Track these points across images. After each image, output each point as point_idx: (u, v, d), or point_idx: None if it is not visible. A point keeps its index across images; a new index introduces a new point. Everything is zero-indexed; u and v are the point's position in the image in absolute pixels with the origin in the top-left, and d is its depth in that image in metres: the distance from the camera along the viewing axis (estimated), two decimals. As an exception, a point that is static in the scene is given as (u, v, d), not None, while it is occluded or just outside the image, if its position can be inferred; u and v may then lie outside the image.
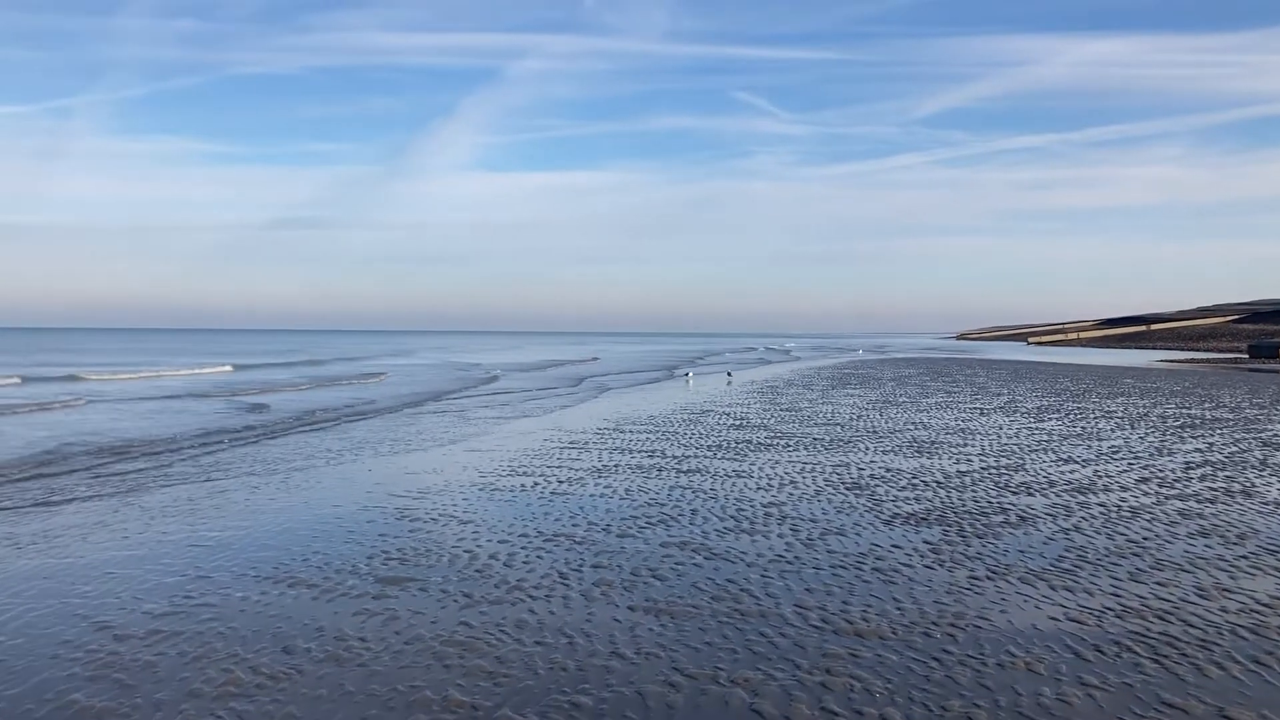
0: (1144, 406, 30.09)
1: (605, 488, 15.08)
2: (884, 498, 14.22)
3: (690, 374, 51.12)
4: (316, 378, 49.34)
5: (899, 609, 8.60)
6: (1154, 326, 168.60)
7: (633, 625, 8.17)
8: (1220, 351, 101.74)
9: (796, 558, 10.54)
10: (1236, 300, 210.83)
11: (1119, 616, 8.37)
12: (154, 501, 14.03)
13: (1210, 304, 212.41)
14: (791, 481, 15.69)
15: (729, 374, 51.41)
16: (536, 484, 15.38)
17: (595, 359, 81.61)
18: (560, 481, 15.65)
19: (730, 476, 16.21)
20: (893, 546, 11.07)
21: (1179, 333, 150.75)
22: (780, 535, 11.66)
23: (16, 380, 42.60)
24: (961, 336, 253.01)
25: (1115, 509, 13.25)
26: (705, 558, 10.53)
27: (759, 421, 25.52)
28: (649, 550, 10.87)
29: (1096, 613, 8.48)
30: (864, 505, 13.62)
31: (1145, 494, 14.44)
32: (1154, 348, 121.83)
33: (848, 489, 15.00)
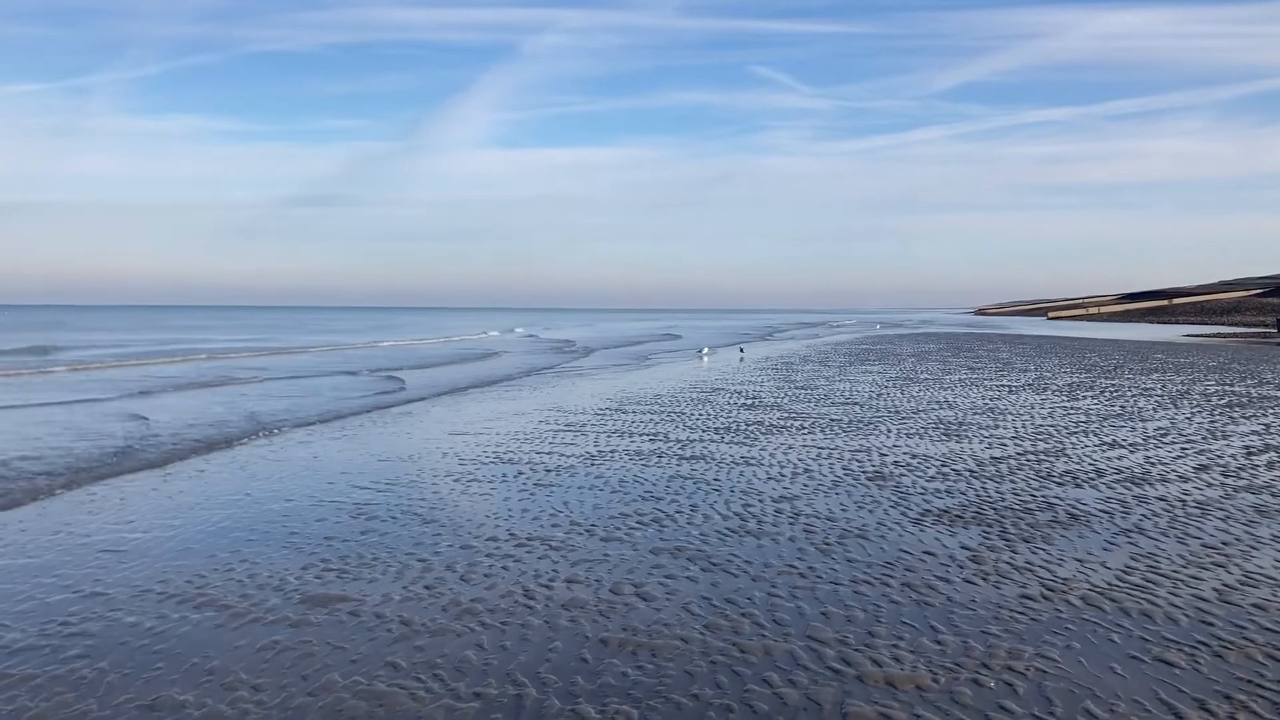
0: (1182, 383, 28.18)
1: (596, 477, 13.40)
2: (911, 490, 12.50)
3: (705, 350, 49.41)
4: (455, 354, 47.82)
5: (938, 643, 6.90)
6: (1175, 301, 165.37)
7: (601, 669, 6.49)
8: (1246, 326, 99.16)
9: (811, 568, 8.84)
10: (1260, 274, 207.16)
11: (1218, 655, 6.64)
12: (60, 506, 12.44)
13: (1232, 278, 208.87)
14: (806, 470, 13.97)
15: (741, 350, 49.59)
16: (533, 468, 13.73)
17: (676, 335, 79.78)
18: (548, 470, 13.98)
19: (738, 464, 14.51)
20: (925, 553, 9.35)
21: (1201, 307, 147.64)
22: (792, 538, 9.96)
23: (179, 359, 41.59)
24: (979, 312, 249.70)
25: (1179, 504, 11.48)
26: (702, 569, 8.84)
27: (772, 401, 23.79)
28: (636, 559, 9.19)
29: (1188, 649, 6.76)
30: (888, 499, 11.90)
31: (1209, 485, 12.65)
32: (1176, 322, 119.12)
33: (869, 479, 13.27)
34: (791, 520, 10.77)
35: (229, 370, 35.43)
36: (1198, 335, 75.17)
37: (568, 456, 15.23)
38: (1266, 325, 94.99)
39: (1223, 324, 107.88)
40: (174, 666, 6.50)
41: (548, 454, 15.52)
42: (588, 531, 10.30)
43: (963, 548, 9.55)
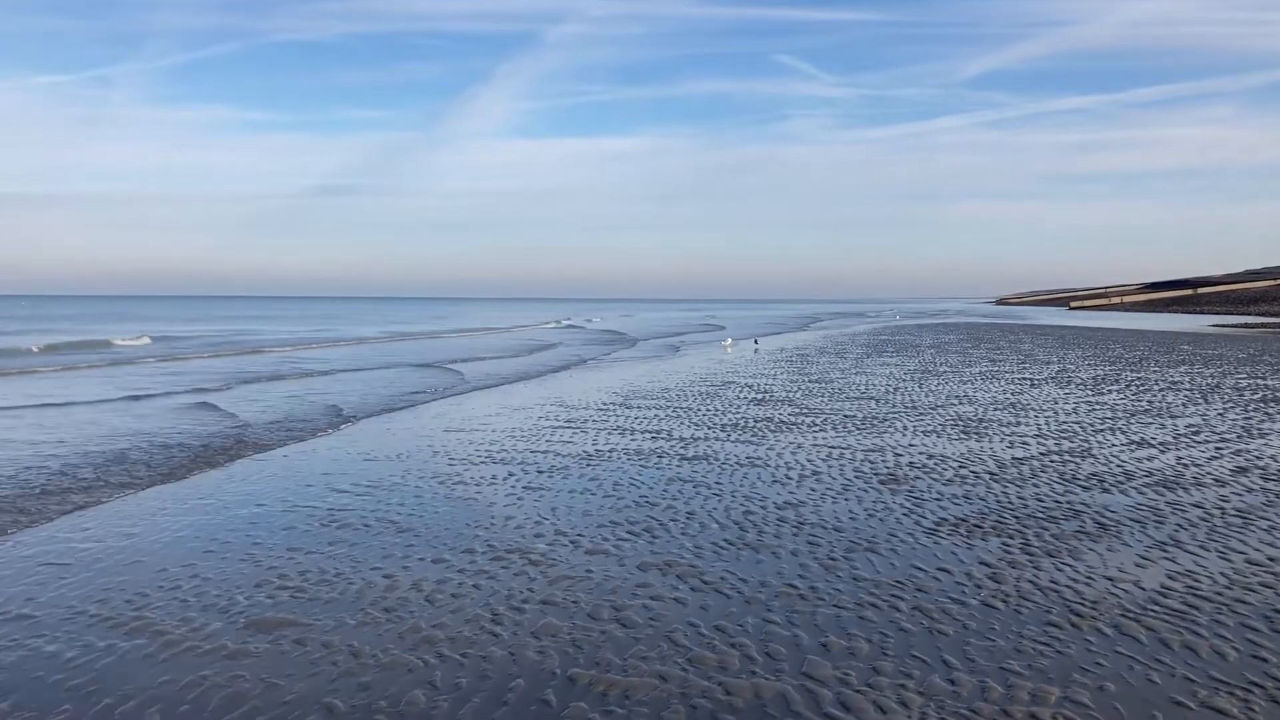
0: (1212, 376, 27.10)
1: (590, 480, 12.61)
2: (925, 495, 11.64)
3: (729, 340, 48.56)
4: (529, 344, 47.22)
5: (951, 681, 6.06)
6: (1200, 290, 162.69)
7: (564, 714, 5.69)
8: (1274, 315, 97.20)
9: (813, 588, 8.01)
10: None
11: (1276, 701, 5.77)
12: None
13: (1260, 266, 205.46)
14: (814, 472, 13.13)
15: (755, 341, 48.66)
16: (525, 468, 12.94)
17: (718, 325, 78.99)
18: (540, 471, 13.19)
19: (742, 465, 13.68)
20: (939, 570, 8.50)
21: (1227, 296, 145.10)
22: (794, 552, 9.13)
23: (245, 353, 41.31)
24: (1001, 301, 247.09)
25: (1217, 512, 10.57)
26: (692, 588, 8.03)
27: (784, 395, 22.92)
28: (622, 576, 8.39)
29: (1240, 692, 5.89)
30: (901, 506, 11.05)
31: (1249, 490, 11.73)
32: (1202, 312, 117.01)
33: (882, 482, 12.42)
34: (795, 531, 9.94)
35: (299, 362, 34.84)
36: (1225, 325, 73.62)
37: (563, 456, 14.44)
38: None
39: (1250, 314, 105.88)
40: (82, 708, 5.74)
41: (543, 453, 14.74)
42: (573, 543, 9.51)
43: (981, 563, 8.70)
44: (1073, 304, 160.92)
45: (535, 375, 30.13)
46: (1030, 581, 8.13)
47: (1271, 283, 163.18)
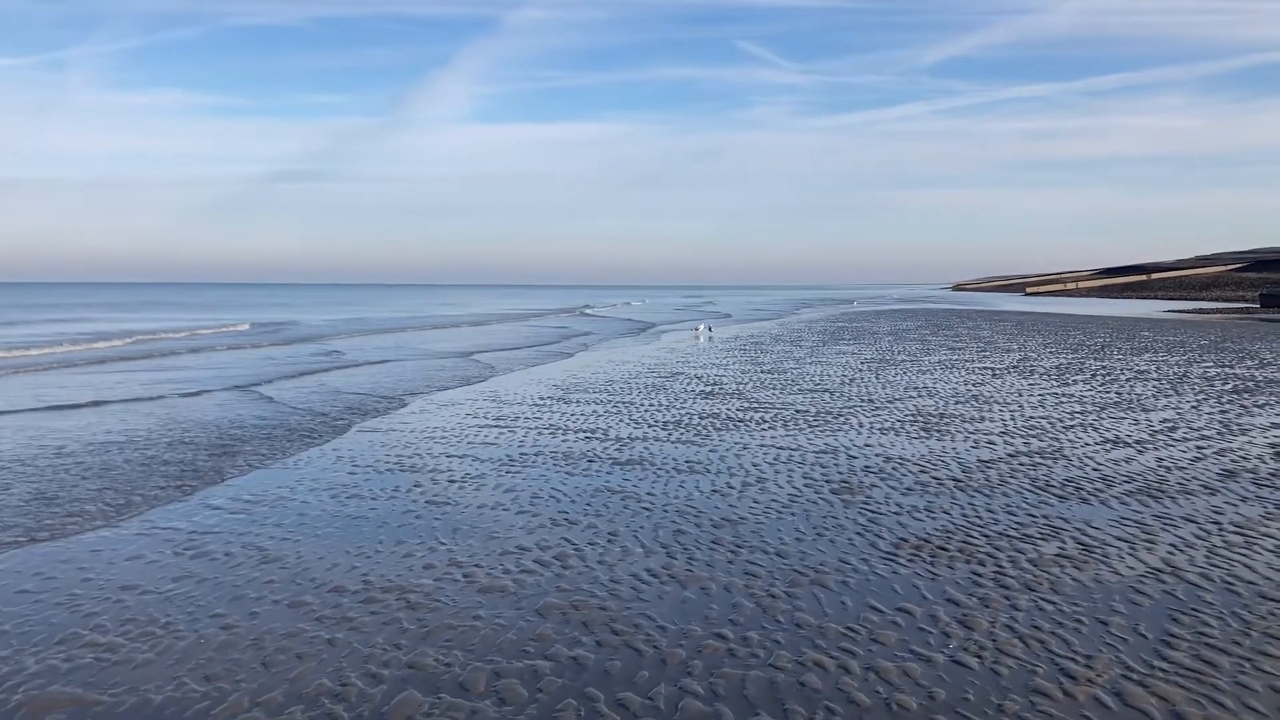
0: (1178, 365, 26.08)
1: (505, 491, 11.08)
2: (882, 507, 10.24)
3: (701, 327, 47.01)
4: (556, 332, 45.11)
5: (916, 788, 4.61)
6: (1154, 276, 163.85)
7: None
8: (1227, 301, 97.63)
9: (744, 639, 6.54)
10: (1236, 249, 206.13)
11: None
12: None
13: (1210, 252, 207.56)
14: (759, 480, 11.69)
15: (709, 329, 47.17)
16: (435, 477, 11.37)
17: (724, 313, 77.47)
18: (451, 481, 11.63)
19: (680, 472, 12.21)
20: (898, 611, 7.08)
21: (1180, 282, 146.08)
22: (728, 587, 7.67)
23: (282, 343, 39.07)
24: (958, 287, 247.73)
25: (1213, 528, 9.27)
26: (598, 642, 6.53)
27: (734, 387, 21.49)
28: (515, 625, 6.87)
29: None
30: (855, 522, 9.64)
31: (1243, 499, 10.46)
32: (1156, 298, 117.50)
33: (834, 492, 11.02)
34: (731, 557, 8.48)
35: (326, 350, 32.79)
36: (1180, 311, 73.46)
37: (480, 461, 12.89)
38: (1247, 300, 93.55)
39: (1202, 299, 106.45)
40: None
41: (459, 457, 13.17)
42: (466, 576, 7.98)
43: (948, 600, 7.29)
44: (1028, 289, 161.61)
45: (476, 377, 28.48)
46: (1008, 626, 6.73)
47: (1222, 269, 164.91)
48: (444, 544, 8.95)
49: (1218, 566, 8.05)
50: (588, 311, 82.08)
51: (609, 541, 9.01)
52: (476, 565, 8.28)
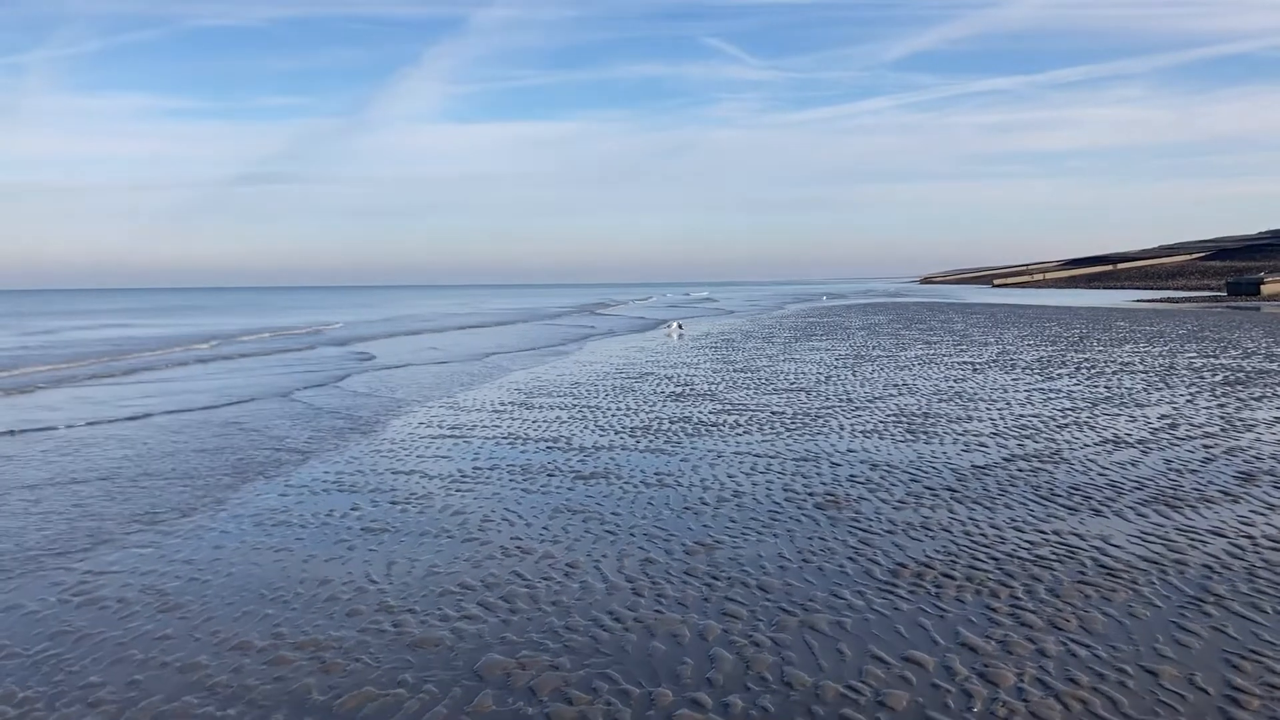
0: (1162, 356, 25.27)
1: (452, 515, 9.86)
2: (874, 524, 9.14)
3: (675, 324, 45.97)
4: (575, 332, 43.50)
5: None
6: (1120, 266, 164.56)
7: None
8: (1191, 289, 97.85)
9: (724, 707, 5.39)
10: (1199, 238, 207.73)
11: None
12: None
13: (1173, 242, 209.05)
14: (735, 493, 10.57)
15: (680, 325, 46.09)
16: (375, 499, 10.12)
17: (731, 311, 76.17)
18: (392, 503, 10.39)
19: (649, 486, 11.06)
20: (904, 660, 5.95)
21: (1146, 271, 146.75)
22: (702, 633, 6.51)
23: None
24: (925, 280, 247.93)
25: (1247, 544, 8.23)
26: (546, 715, 5.35)
27: (706, 388, 20.37)
28: (444, 689, 5.68)
29: None
30: (845, 544, 8.52)
31: (1270, 507, 9.45)
32: (1122, 287, 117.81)
33: (818, 506, 9.91)
34: (706, 593, 7.33)
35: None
36: (1148, 300, 73.28)
37: (431, 477, 11.67)
38: (1214, 289, 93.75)
39: (1169, 288, 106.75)
40: None
41: (406, 474, 11.94)
42: (396, 626, 6.78)
43: (963, 645, 6.18)
44: (996, 281, 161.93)
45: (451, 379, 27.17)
46: (1039, 681, 5.62)
47: (1186, 258, 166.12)
48: (374, 585, 7.73)
49: (1265, 593, 7.01)
50: (599, 312, 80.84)
51: (566, 576, 7.83)
52: (409, 610, 7.08)
